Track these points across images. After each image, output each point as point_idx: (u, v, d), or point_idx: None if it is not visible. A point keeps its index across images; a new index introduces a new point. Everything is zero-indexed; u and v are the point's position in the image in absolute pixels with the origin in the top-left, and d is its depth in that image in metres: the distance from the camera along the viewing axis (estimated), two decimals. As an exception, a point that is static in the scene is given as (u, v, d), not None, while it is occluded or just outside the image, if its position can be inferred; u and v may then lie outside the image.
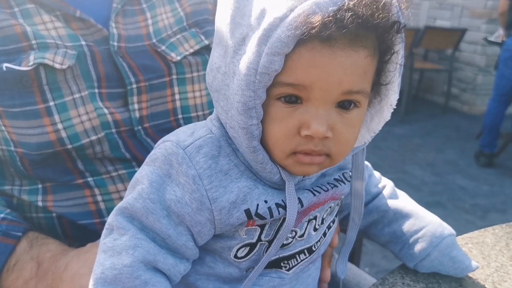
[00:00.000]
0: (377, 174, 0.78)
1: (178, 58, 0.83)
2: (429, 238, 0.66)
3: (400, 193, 0.76)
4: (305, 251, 0.61)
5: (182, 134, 0.56)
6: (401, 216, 0.71)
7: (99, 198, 0.78)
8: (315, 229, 0.60)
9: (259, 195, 0.53)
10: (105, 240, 0.53)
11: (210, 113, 0.87)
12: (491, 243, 0.78)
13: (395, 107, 0.57)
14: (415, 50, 5.20)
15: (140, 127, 0.79)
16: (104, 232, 0.55)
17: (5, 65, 0.69)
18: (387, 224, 0.71)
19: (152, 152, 0.57)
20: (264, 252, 0.57)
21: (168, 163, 0.53)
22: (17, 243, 0.70)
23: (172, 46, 0.83)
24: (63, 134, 0.73)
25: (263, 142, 0.52)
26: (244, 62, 0.48)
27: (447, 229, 0.68)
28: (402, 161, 3.92)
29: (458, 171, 3.79)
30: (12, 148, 0.74)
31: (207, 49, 0.86)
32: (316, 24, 0.44)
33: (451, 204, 3.15)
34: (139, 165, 0.76)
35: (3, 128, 0.73)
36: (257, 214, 0.53)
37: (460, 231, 0.80)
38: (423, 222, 0.69)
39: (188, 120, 0.85)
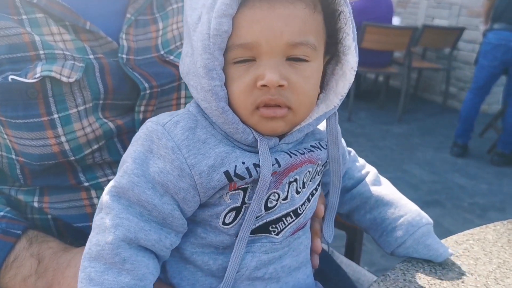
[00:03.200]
0: (361, 160, 0.81)
1: None
2: (406, 226, 0.71)
3: (383, 180, 0.79)
4: (291, 214, 0.62)
5: (162, 116, 0.60)
6: (382, 203, 0.75)
7: (95, 201, 0.77)
8: (297, 192, 0.62)
9: (236, 157, 0.56)
10: (95, 218, 0.57)
11: None
12: (492, 240, 0.77)
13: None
14: (413, 49, 5.20)
15: None
16: (96, 211, 0.58)
17: (11, 76, 0.68)
18: (368, 210, 0.75)
19: (136, 133, 0.60)
20: (270, 225, 0.60)
21: (149, 139, 0.57)
22: (17, 241, 0.69)
23: (180, 56, 0.83)
24: (66, 146, 0.72)
25: (231, 106, 0.56)
26: (199, 31, 0.53)
27: (425, 218, 0.72)
28: (401, 160, 3.91)
29: (457, 170, 3.79)
30: (13, 156, 0.73)
31: None
32: None
33: (449, 203, 3.14)
34: None
35: (5, 136, 0.72)
36: (236, 175, 0.56)
37: (459, 230, 0.81)
38: (402, 211, 0.73)
39: None
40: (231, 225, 0.59)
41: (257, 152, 0.58)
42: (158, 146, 0.56)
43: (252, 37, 0.53)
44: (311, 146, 0.64)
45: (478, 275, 0.67)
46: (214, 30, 0.52)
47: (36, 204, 0.76)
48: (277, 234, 0.62)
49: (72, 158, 0.73)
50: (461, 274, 0.67)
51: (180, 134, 0.56)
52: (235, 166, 0.56)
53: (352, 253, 1.07)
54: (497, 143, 4.07)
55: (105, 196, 0.57)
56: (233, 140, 0.58)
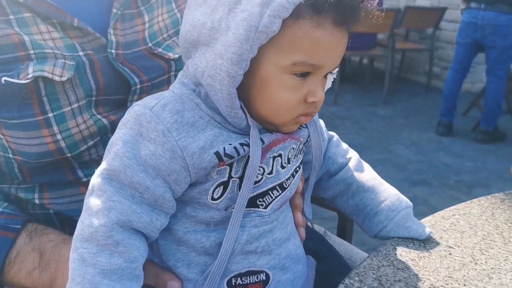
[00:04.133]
0: (344, 145, 0.85)
1: (176, 56, 0.84)
2: (386, 212, 0.75)
3: (365, 166, 0.83)
4: (277, 187, 0.65)
5: (148, 99, 0.62)
6: (363, 190, 0.78)
7: None
8: (282, 167, 0.65)
9: (224, 140, 0.59)
10: (86, 200, 0.58)
11: None
12: (477, 214, 0.81)
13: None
14: (396, 31, 5.24)
15: None
16: (87, 192, 0.59)
17: (4, 78, 0.68)
18: (351, 196, 0.79)
19: (123, 117, 0.61)
20: (237, 189, 0.62)
21: (138, 123, 0.59)
22: (17, 236, 0.70)
23: (168, 47, 0.84)
24: (62, 144, 0.74)
25: (248, 97, 0.60)
26: (244, 19, 0.54)
27: (404, 202, 0.76)
28: (387, 141, 3.97)
29: (442, 149, 3.86)
30: (10, 155, 0.75)
31: None
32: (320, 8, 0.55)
33: (436, 181, 3.21)
34: None
35: (1, 136, 0.73)
36: (226, 155, 0.59)
37: (446, 207, 0.84)
38: (382, 196, 0.77)
39: None
40: (219, 200, 0.62)
41: (242, 134, 0.61)
42: (147, 129, 0.58)
43: (322, 61, 0.57)
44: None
45: (464, 247, 0.70)
46: (264, 27, 0.53)
47: (37, 201, 0.78)
48: (265, 208, 0.64)
49: (69, 155, 0.75)
50: (448, 246, 0.70)
51: (169, 117, 0.58)
52: (224, 148, 0.59)
53: (344, 233, 1.10)
54: (480, 121, 4.15)
55: (96, 179, 0.59)
56: (220, 122, 0.60)
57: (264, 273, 0.66)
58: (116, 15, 0.79)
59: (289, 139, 0.65)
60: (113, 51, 0.77)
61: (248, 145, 0.60)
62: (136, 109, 0.60)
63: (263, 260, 0.65)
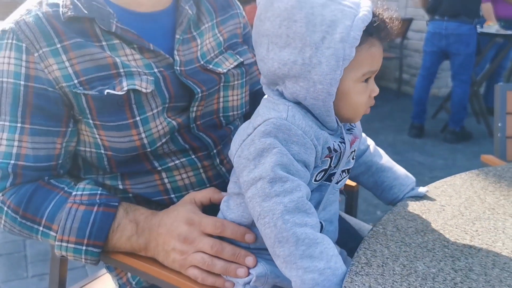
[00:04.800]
0: (363, 134, 1.07)
1: (225, 70, 1.05)
2: (399, 187, 1.01)
3: (380, 151, 1.07)
4: (346, 171, 0.88)
5: (272, 112, 0.78)
6: (381, 170, 1.03)
7: (165, 180, 0.99)
8: (353, 158, 0.89)
9: (330, 139, 0.80)
10: (274, 187, 0.73)
11: (241, 113, 1.13)
12: (459, 184, 1.05)
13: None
14: (368, 41, 5.55)
15: (194, 125, 1.01)
16: (267, 183, 0.73)
17: (106, 91, 0.89)
18: (371, 175, 1.03)
19: (259, 129, 0.76)
20: (331, 176, 0.84)
21: (281, 131, 0.75)
22: (116, 211, 0.90)
23: (217, 64, 1.05)
24: (145, 141, 0.94)
25: (346, 106, 0.80)
26: (332, 54, 0.73)
27: (410, 178, 1.03)
28: (365, 144, 4.24)
29: (416, 149, 4.17)
30: (102, 151, 0.95)
31: (242, 64, 1.10)
32: (375, 32, 0.78)
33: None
34: (194, 153, 1.01)
35: (96, 136, 0.93)
36: (334, 149, 0.80)
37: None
38: (396, 175, 1.02)
39: (225, 118, 1.08)
40: (318, 181, 0.82)
41: (333, 135, 0.81)
42: (289, 135, 0.75)
43: (376, 67, 0.80)
44: (348, 128, 0.88)
45: (453, 205, 0.94)
46: (347, 56, 0.73)
47: (120, 186, 0.99)
48: (337, 183, 0.86)
49: (149, 149, 0.96)
50: (441, 205, 0.94)
51: (301, 123, 0.76)
52: (333, 144, 0.80)
53: (351, 210, 1.34)
54: (448, 122, 4.48)
55: (274, 172, 0.73)
56: (320, 126, 0.79)
57: (320, 223, 0.85)
58: (179, 40, 1.00)
59: (358, 138, 0.88)
60: (178, 68, 0.98)
61: (342, 143, 0.82)
62: (275, 121, 0.75)
63: (321, 214, 0.85)
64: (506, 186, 1.05)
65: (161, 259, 0.88)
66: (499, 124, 1.65)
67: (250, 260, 0.83)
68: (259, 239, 0.84)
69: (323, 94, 0.76)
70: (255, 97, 1.24)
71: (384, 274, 0.69)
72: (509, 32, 4.43)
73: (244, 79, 1.12)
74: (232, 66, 1.08)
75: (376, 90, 0.83)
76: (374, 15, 0.77)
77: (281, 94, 0.81)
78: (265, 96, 0.85)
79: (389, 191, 1.01)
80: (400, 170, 1.04)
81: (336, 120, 0.80)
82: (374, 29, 0.77)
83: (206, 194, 0.94)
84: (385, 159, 1.04)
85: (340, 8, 0.74)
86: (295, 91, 0.78)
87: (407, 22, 5.84)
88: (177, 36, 1.00)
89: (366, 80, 0.80)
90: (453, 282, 0.68)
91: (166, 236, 0.87)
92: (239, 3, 1.21)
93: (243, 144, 0.78)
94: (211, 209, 0.92)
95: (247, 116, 1.19)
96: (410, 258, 0.74)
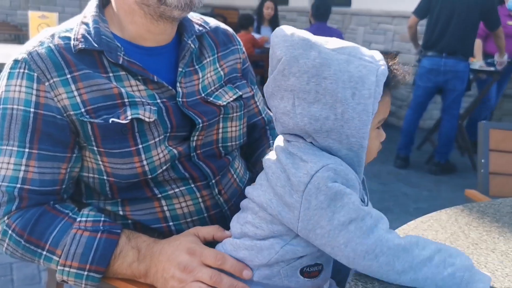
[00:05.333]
0: None
1: (224, 103, 1.10)
2: None
3: None
4: None
5: (324, 159, 0.80)
6: None
7: (165, 208, 1.03)
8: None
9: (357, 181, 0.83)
10: (367, 222, 0.77)
11: (239, 144, 1.18)
12: (445, 219, 1.10)
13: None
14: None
15: (194, 153, 1.06)
16: (360, 222, 0.76)
17: (111, 119, 0.93)
18: None
19: (319, 175, 0.77)
20: None
21: (340, 176, 0.79)
22: (119, 238, 0.93)
23: (217, 97, 1.10)
24: (146, 168, 0.98)
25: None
26: (363, 109, 0.79)
27: None
28: (352, 173, 4.30)
29: (400, 180, 4.24)
30: (105, 177, 0.98)
31: (241, 97, 1.16)
32: (391, 84, 0.86)
33: (397, 208, 3.56)
34: (194, 182, 1.05)
35: (100, 162, 0.97)
36: (361, 199, 0.84)
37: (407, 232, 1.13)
38: None
39: (224, 148, 1.13)
40: None
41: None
42: (347, 179, 0.79)
43: (387, 114, 0.87)
44: None
45: (439, 240, 0.99)
46: (374, 109, 0.79)
47: (121, 213, 1.02)
48: None
49: (150, 176, 1.00)
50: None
51: (348, 172, 0.80)
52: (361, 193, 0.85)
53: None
54: (434, 154, 4.58)
55: (358, 210, 0.77)
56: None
57: (321, 265, 0.89)
58: (181, 72, 1.06)
59: None
60: (180, 99, 1.03)
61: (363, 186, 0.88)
62: (333, 166, 0.78)
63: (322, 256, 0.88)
64: (489, 222, 1.10)
65: (159, 286, 0.91)
66: (482, 161, 1.72)
67: None
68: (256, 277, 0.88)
69: (356, 146, 0.81)
70: (252, 129, 1.29)
71: (375, 305, 0.73)
72: (491, 68, 4.60)
73: (242, 112, 1.17)
74: (231, 99, 1.13)
75: (384, 135, 0.89)
76: (388, 67, 0.83)
77: (313, 146, 0.84)
78: (292, 146, 0.85)
79: None
80: None
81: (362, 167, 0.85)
82: (389, 81, 0.83)
83: (211, 230, 0.97)
84: None
85: (363, 64, 0.80)
86: (328, 144, 0.81)
87: (393, 55, 5.99)
88: (180, 69, 1.05)
89: (378, 127, 0.87)
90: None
91: (166, 263, 0.90)
92: (239, 39, 1.28)
93: (306, 194, 0.78)
94: (210, 246, 0.95)
95: (243, 147, 1.24)
96: (400, 290, 0.78)
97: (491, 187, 1.70)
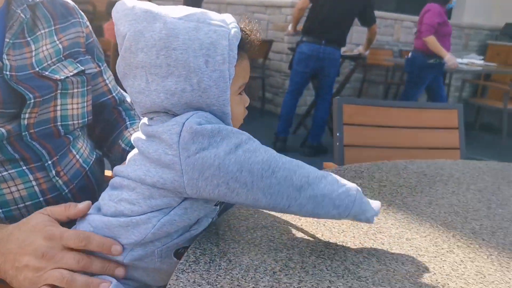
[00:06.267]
0: None
1: (62, 77, 1.02)
2: None
3: None
4: None
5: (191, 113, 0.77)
6: None
7: None
8: None
9: None
10: (254, 142, 0.77)
11: (82, 122, 1.09)
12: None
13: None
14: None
15: (26, 132, 0.96)
16: (247, 141, 0.76)
17: None
18: None
19: (191, 120, 0.74)
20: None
21: (213, 118, 0.78)
22: None
23: (54, 71, 1.01)
24: None
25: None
26: (220, 76, 0.76)
27: None
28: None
29: (277, 163, 4.38)
30: None
31: (83, 72, 1.08)
32: (246, 47, 0.83)
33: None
34: (26, 164, 0.96)
35: None
36: None
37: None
38: None
39: (64, 127, 1.04)
40: (217, 206, 0.86)
41: None
42: (218, 122, 0.78)
43: (248, 78, 0.85)
44: None
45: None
46: (231, 75, 0.77)
47: None
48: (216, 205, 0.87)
49: None
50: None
51: (219, 122, 0.78)
52: None
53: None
54: (307, 137, 4.81)
55: (240, 135, 0.75)
56: None
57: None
58: (8, 43, 0.95)
59: None
60: (8, 73, 0.93)
61: None
62: (201, 113, 0.77)
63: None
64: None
65: (9, 279, 0.81)
66: (338, 134, 1.82)
67: (121, 271, 0.81)
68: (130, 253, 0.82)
69: (219, 114, 0.78)
70: (100, 109, 1.22)
71: (210, 270, 0.72)
72: (355, 53, 5.00)
73: (85, 88, 1.09)
74: (71, 73, 1.05)
75: (248, 100, 0.88)
76: (240, 29, 0.81)
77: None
78: (155, 121, 0.81)
79: None
80: None
81: None
82: (243, 44, 0.81)
83: (63, 210, 0.87)
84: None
85: (213, 29, 0.77)
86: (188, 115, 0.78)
87: (268, 44, 6.17)
88: (7, 40, 0.95)
89: (241, 93, 0.85)
90: (272, 271, 0.73)
91: (18, 252, 0.79)
92: (82, 13, 1.19)
93: (181, 144, 0.73)
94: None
95: (89, 126, 1.17)
96: (237, 253, 0.78)
97: (346, 158, 1.80)
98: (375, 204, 0.82)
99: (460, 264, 0.81)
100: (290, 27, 4.94)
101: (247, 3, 6.94)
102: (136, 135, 0.84)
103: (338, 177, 0.79)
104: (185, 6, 0.83)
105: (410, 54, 5.18)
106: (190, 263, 0.74)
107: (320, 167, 1.56)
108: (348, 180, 0.81)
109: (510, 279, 0.77)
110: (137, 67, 0.77)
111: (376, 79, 7.53)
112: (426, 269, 0.78)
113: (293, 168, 0.75)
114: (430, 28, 4.72)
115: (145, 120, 0.84)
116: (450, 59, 4.89)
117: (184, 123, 0.74)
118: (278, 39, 6.39)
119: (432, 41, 4.76)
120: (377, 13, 7.26)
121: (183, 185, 0.75)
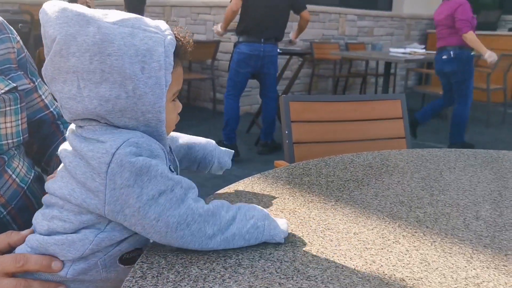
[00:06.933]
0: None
1: None
2: (209, 153, 1.10)
3: (174, 134, 1.08)
4: None
5: (123, 135, 0.76)
6: (188, 148, 1.08)
7: None
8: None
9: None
10: (177, 192, 0.75)
11: (18, 141, 1.05)
12: (242, 188, 1.13)
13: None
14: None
15: None
16: (169, 193, 0.74)
17: None
18: (183, 158, 1.07)
19: (120, 151, 0.73)
20: None
21: (144, 148, 0.76)
22: None
23: None
24: None
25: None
26: (155, 83, 0.76)
27: (211, 142, 1.14)
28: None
29: (232, 163, 4.37)
30: None
31: (15, 89, 1.03)
32: (181, 54, 0.83)
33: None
34: None
35: None
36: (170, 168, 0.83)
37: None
38: (200, 146, 1.09)
39: None
40: None
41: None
42: (151, 150, 0.77)
43: (181, 84, 0.87)
44: None
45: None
46: (167, 82, 0.77)
47: None
48: None
49: None
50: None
51: (150, 143, 0.78)
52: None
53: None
54: (260, 135, 4.82)
55: (166, 181, 0.75)
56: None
57: (140, 249, 0.84)
58: None
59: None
60: None
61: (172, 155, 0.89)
62: (134, 140, 0.75)
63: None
64: (281, 185, 1.16)
65: None
66: (286, 132, 1.83)
67: None
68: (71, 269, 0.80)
69: (154, 122, 0.78)
70: (38, 125, 1.17)
71: (158, 284, 0.70)
72: (297, 49, 5.06)
73: (18, 105, 1.05)
74: (2, 91, 1.00)
75: (181, 106, 0.88)
76: (174, 36, 0.81)
77: (108, 126, 0.78)
78: (85, 130, 0.79)
79: (204, 161, 1.09)
80: (199, 139, 1.10)
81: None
82: (178, 50, 0.81)
83: (3, 238, 0.84)
84: (184, 138, 1.09)
85: (148, 36, 0.76)
86: (124, 123, 0.77)
87: (215, 44, 6.15)
88: None
89: (174, 100, 0.85)
90: (222, 279, 0.72)
91: None
92: (12, 28, 1.14)
93: (110, 175, 0.72)
94: None
95: (27, 143, 1.12)
96: (185, 264, 0.76)
97: (296, 155, 1.81)
98: (283, 225, 0.84)
99: (406, 254, 0.83)
100: (219, 27, 4.78)
101: (192, 4, 6.88)
102: (64, 147, 0.82)
103: (247, 209, 0.82)
104: (118, 11, 0.82)
105: (451, 53, 4.71)
106: (137, 279, 0.72)
107: (272, 166, 1.59)
108: (297, 177, 0.82)
109: (452, 264, 0.80)
110: (68, 72, 0.75)
111: (325, 73, 7.65)
112: (373, 262, 0.79)
113: (207, 219, 0.77)
114: (468, 23, 4.47)
115: (73, 126, 0.82)
116: (491, 55, 4.68)
117: (114, 154, 0.73)
118: (225, 39, 6.37)
119: (472, 37, 4.50)
120: (321, 7, 7.41)
121: (104, 213, 0.76)
